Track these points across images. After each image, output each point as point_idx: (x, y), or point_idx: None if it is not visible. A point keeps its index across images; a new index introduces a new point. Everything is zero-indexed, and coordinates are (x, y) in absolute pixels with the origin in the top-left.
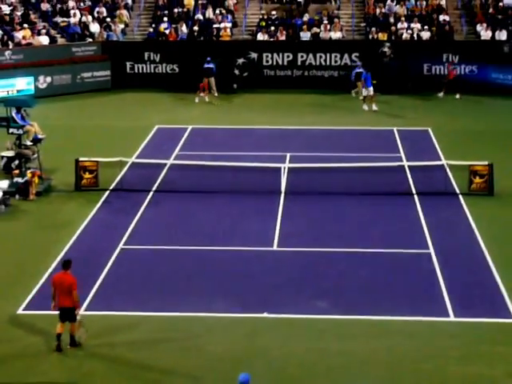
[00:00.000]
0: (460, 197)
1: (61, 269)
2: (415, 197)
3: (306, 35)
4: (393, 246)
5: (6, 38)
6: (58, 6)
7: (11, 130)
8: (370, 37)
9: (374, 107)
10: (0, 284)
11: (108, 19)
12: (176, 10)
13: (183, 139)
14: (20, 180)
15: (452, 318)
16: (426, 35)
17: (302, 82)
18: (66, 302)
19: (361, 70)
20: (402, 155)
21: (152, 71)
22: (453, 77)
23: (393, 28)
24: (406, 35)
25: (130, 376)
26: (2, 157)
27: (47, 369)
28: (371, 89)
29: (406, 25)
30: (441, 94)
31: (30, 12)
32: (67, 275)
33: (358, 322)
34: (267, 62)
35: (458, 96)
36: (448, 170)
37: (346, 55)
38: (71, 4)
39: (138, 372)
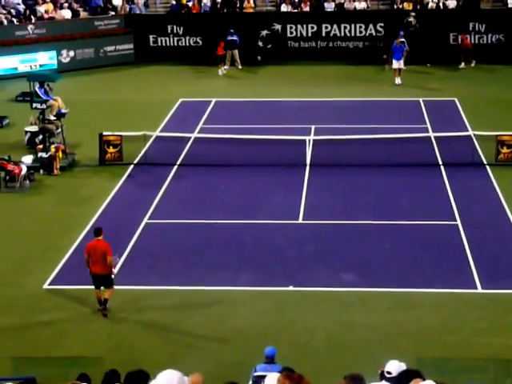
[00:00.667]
0: (487, 167)
1: (93, 237)
2: (442, 168)
3: (330, 6)
4: (419, 217)
5: (28, 12)
6: None
7: (34, 105)
8: (395, 6)
9: (398, 81)
10: (26, 259)
11: None
12: None
13: (207, 112)
14: (44, 155)
15: (479, 290)
16: (452, 4)
17: (327, 53)
18: (100, 268)
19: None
20: (429, 126)
21: (175, 44)
22: (466, 46)
23: None
24: (431, 4)
25: (154, 350)
26: (26, 132)
27: (71, 344)
28: (401, 62)
29: None
30: (462, 65)
31: None
32: (100, 242)
33: (384, 294)
34: (291, 33)
35: (473, 64)
36: (475, 140)
37: (370, 25)
38: None
39: (162, 346)
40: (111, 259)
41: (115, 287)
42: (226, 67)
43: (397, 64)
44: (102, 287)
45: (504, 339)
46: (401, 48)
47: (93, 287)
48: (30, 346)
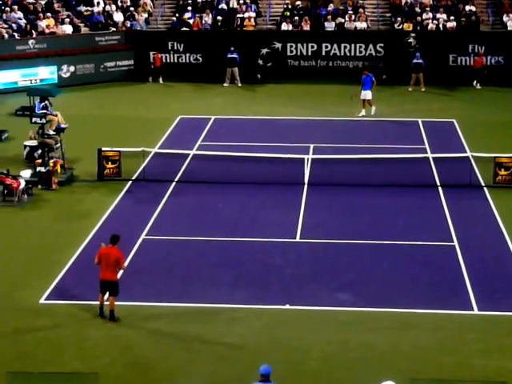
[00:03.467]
0: (485, 189)
1: (108, 243)
2: (439, 189)
3: (330, 25)
4: (416, 238)
5: (29, 26)
6: None
7: (34, 119)
8: (395, 27)
9: (363, 112)
10: (22, 273)
11: (131, 8)
12: (200, 0)
13: (206, 129)
14: (42, 169)
15: (475, 312)
16: (451, 26)
17: (327, 72)
18: (109, 274)
19: (420, 60)
20: (427, 147)
21: (175, 61)
22: (479, 65)
23: (418, 18)
24: (431, 25)
25: (148, 367)
26: (25, 146)
27: (67, 359)
28: (368, 92)
29: (431, 15)
30: (478, 86)
31: (54, 1)
32: (114, 249)
33: (380, 314)
34: (291, 52)
35: (478, 86)
36: (473, 161)
37: (370, 45)
38: None
39: (156, 364)
40: (124, 267)
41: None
42: (225, 84)
43: (363, 95)
44: (106, 293)
45: (500, 361)
46: (369, 78)
47: (90, 302)
48: (26, 361)
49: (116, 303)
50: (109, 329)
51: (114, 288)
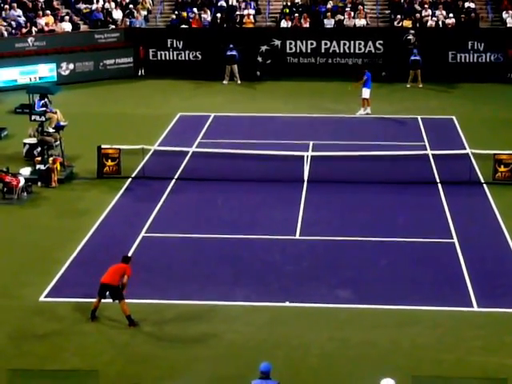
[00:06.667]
0: (484, 186)
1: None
2: (439, 186)
3: (329, 22)
4: (416, 235)
5: (28, 24)
6: None
7: (33, 117)
8: (395, 24)
9: (368, 110)
10: (22, 271)
11: (131, 6)
12: None
13: (205, 127)
14: (42, 167)
15: (475, 308)
16: (451, 22)
17: (326, 69)
18: (110, 279)
19: (417, 57)
20: (427, 144)
21: (175, 58)
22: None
23: (417, 15)
24: (430, 22)
25: (148, 365)
26: (25, 144)
27: (67, 356)
28: (368, 90)
29: (430, 12)
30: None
31: None
32: (124, 265)
33: (380, 311)
34: (291, 49)
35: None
36: (472, 158)
37: (370, 43)
38: None
39: (157, 361)
40: (127, 280)
41: (111, 301)
42: (225, 82)
43: (363, 93)
44: (115, 301)
45: (499, 358)
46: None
47: (90, 300)
48: (26, 359)
49: (117, 301)
50: (109, 326)
51: (115, 292)
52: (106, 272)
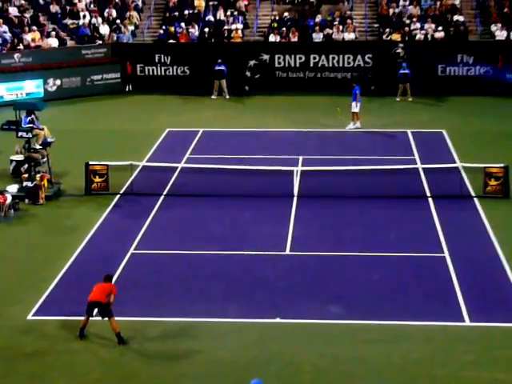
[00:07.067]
0: (475, 199)
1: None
2: (430, 200)
3: (318, 36)
4: (407, 249)
5: (15, 40)
6: (68, 7)
7: (20, 134)
8: (384, 37)
9: (358, 124)
10: (10, 289)
11: (118, 21)
12: (186, 12)
13: (194, 142)
14: (29, 184)
15: (467, 323)
16: (440, 36)
17: (315, 83)
18: (98, 296)
19: (407, 71)
20: (417, 158)
21: (163, 74)
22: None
23: (406, 29)
24: (419, 36)
25: (138, 383)
26: (11, 161)
27: (56, 376)
28: (358, 104)
29: (419, 25)
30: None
31: (39, 14)
32: (109, 284)
33: (372, 327)
34: (279, 63)
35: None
36: (463, 172)
37: (359, 56)
38: (80, 6)
39: (147, 379)
40: (113, 299)
41: (100, 318)
42: (213, 97)
43: (352, 107)
44: (104, 318)
45: (492, 373)
46: (354, 91)
47: (78, 317)
48: (14, 378)
49: (106, 319)
50: (97, 343)
51: (104, 310)
52: (92, 291)
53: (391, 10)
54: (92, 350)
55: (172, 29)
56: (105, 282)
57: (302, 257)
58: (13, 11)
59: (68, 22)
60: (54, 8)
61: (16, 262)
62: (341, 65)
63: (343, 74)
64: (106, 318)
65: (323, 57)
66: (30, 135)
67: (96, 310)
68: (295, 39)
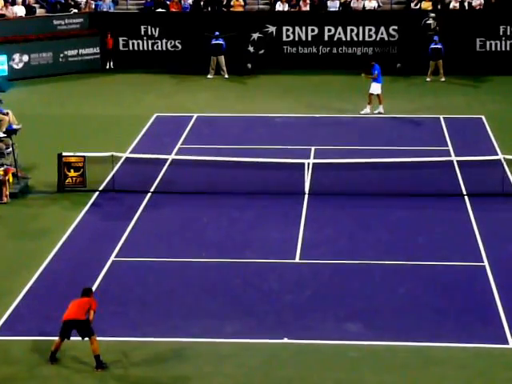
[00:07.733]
0: None
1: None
2: (466, 198)
3: (334, 5)
4: (439, 257)
5: None
6: None
7: None
8: (412, 6)
9: (380, 109)
10: None
11: None
12: None
13: (187, 130)
14: None
15: (511, 345)
16: (478, 3)
17: (330, 60)
18: (75, 313)
19: (439, 46)
20: (451, 149)
21: (150, 48)
22: None
23: None
24: (454, 4)
25: None
26: None
27: None
28: (379, 85)
29: None
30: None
31: None
32: (88, 298)
33: (397, 349)
34: (288, 37)
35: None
36: (506, 166)
37: (382, 28)
38: None
39: None
40: (93, 316)
41: (77, 338)
42: (210, 76)
43: (378, 89)
44: (85, 338)
45: None
46: (373, 70)
47: (49, 338)
48: None
49: (80, 338)
50: (71, 366)
51: (83, 328)
52: (68, 308)
53: None
54: (66, 376)
55: None
56: (82, 297)
57: (314, 266)
58: None
59: None
60: None
61: None
62: (360, 38)
63: (363, 49)
64: (87, 338)
65: (340, 29)
66: None
67: (75, 331)
68: (306, 8)
